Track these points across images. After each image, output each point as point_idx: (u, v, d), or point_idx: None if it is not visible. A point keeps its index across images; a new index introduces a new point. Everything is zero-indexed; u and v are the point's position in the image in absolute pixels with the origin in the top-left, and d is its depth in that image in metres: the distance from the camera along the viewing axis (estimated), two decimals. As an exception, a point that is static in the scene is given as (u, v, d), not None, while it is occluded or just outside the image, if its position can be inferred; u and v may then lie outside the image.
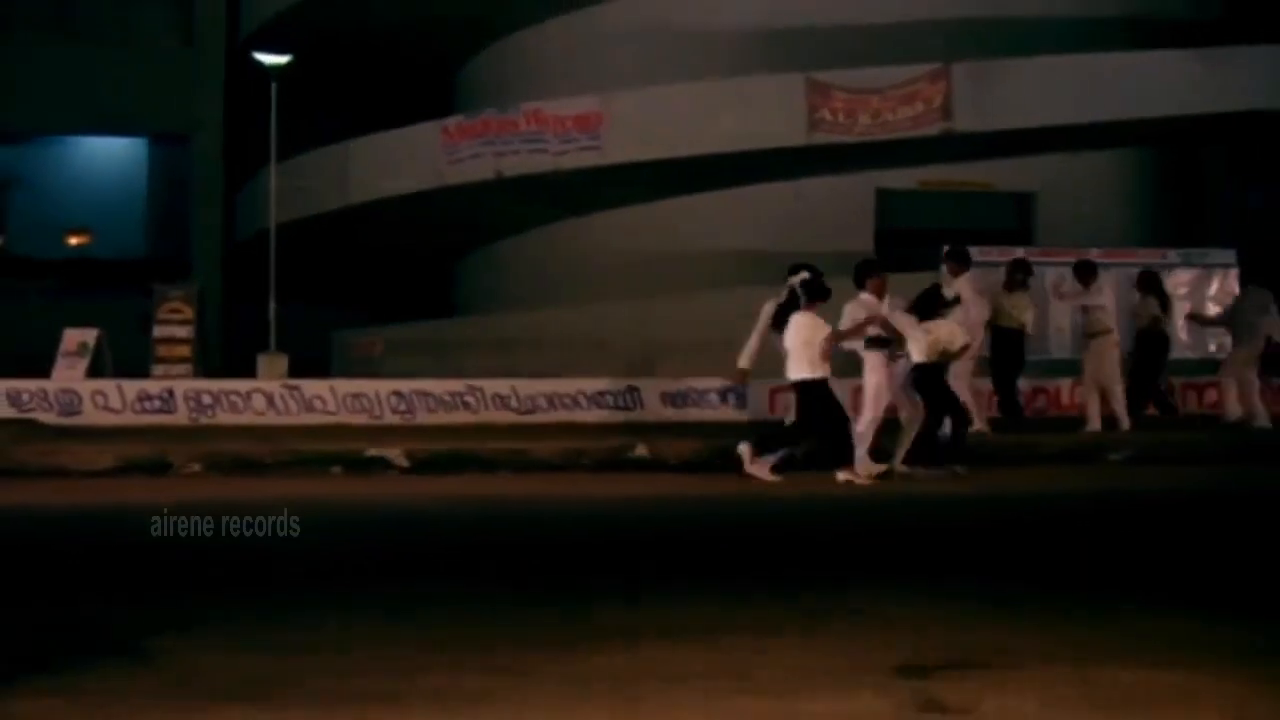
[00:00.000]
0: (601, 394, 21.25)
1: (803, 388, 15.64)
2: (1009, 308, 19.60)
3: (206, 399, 20.36)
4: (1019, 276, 19.78)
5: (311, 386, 20.71)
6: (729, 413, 21.45)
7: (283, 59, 24.10)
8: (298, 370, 24.15)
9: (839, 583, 9.06)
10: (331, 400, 20.54)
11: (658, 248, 28.38)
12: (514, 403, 20.98)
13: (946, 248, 19.65)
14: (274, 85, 23.41)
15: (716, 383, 21.69)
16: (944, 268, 19.16)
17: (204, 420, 20.22)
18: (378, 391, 20.76)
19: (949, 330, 16.28)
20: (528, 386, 21.06)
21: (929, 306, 16.36)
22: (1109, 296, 20.11)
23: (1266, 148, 30.84)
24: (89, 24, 33.06)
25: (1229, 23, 30.19)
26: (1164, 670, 6.61)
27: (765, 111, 26.73)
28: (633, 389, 21.30)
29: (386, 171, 28.24)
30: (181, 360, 22.15)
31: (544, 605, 8.36)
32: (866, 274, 16.43)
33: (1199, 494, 14.79)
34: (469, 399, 20.88)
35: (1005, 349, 19.74)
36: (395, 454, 17.47)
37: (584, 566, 10.07)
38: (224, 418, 20.31)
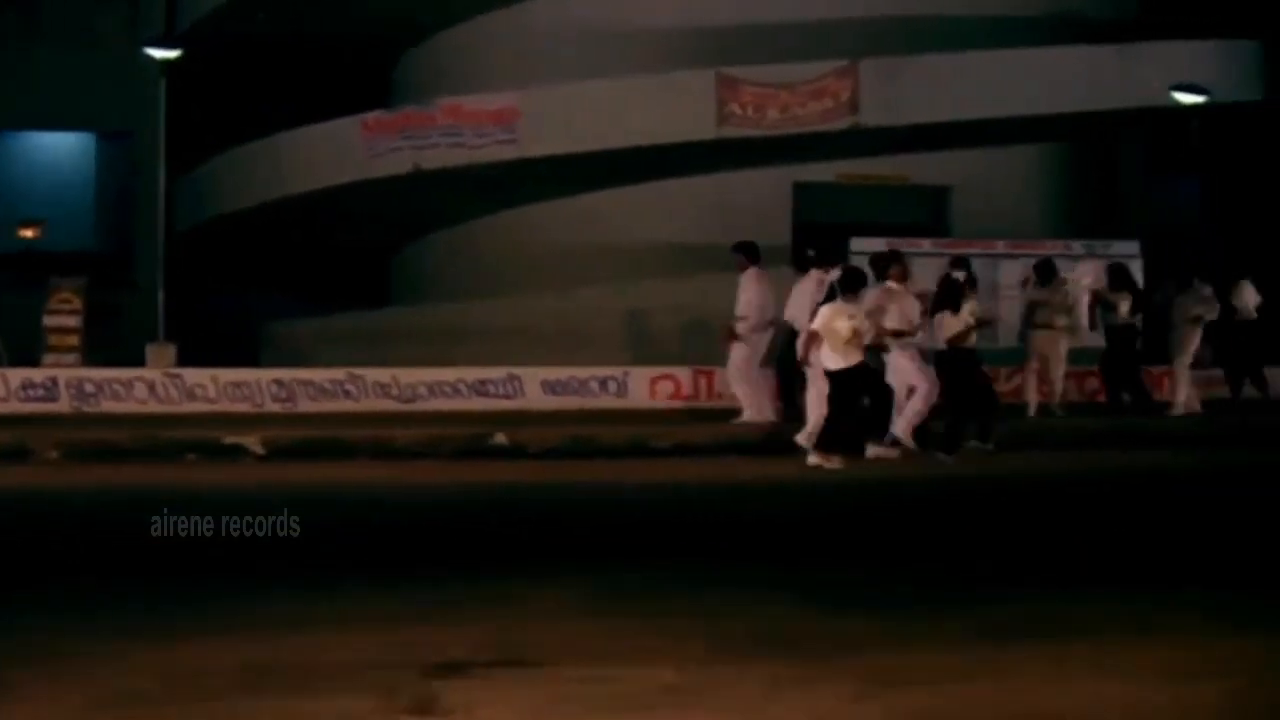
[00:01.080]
0: (483, 382, 21.78)
1: (830, 377, 16.15)
2: None
3: (89, 388, 20.95)
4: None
5: (193, 375, 21.28)
6: (609, 401, 21.94)
7: (173, 53, 24.59)
8: (232, 361, 24.79)
9: (531, 571, 9.21)
10: (213, 388, 21.11)
11: (584, 240, 28.88)
12: (394, 391, 21.53)
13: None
14: (163, 81, 23.90)
15: (601, 371, 22.30)
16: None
17: (86, 409, 20.81)
18: (259, 380, 21.32)
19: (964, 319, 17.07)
20: (408, 375, 21.61)
21: (953, 297, 17.07)
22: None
23: (1186, 142, 31.17)
24: (38, 23, 33.67)
25: (1145, 20, 30.55)
26: (708, 667, 6.60)
27: (676, 106, 27.27)
28: (514, 377, 21.83)
29: (312, 165, 28.84)
30: (70, 350, 22.75)
31: (202, 598, 8.41)
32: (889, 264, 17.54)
33: (1046, 479, 15.39)
34: (350, 387, 21.43)
35: None
36: (252, 441, 18.09)
37: (320, 556, 10.17)
38: (107, 406, 20.87)
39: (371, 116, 28.62)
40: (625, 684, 6.36)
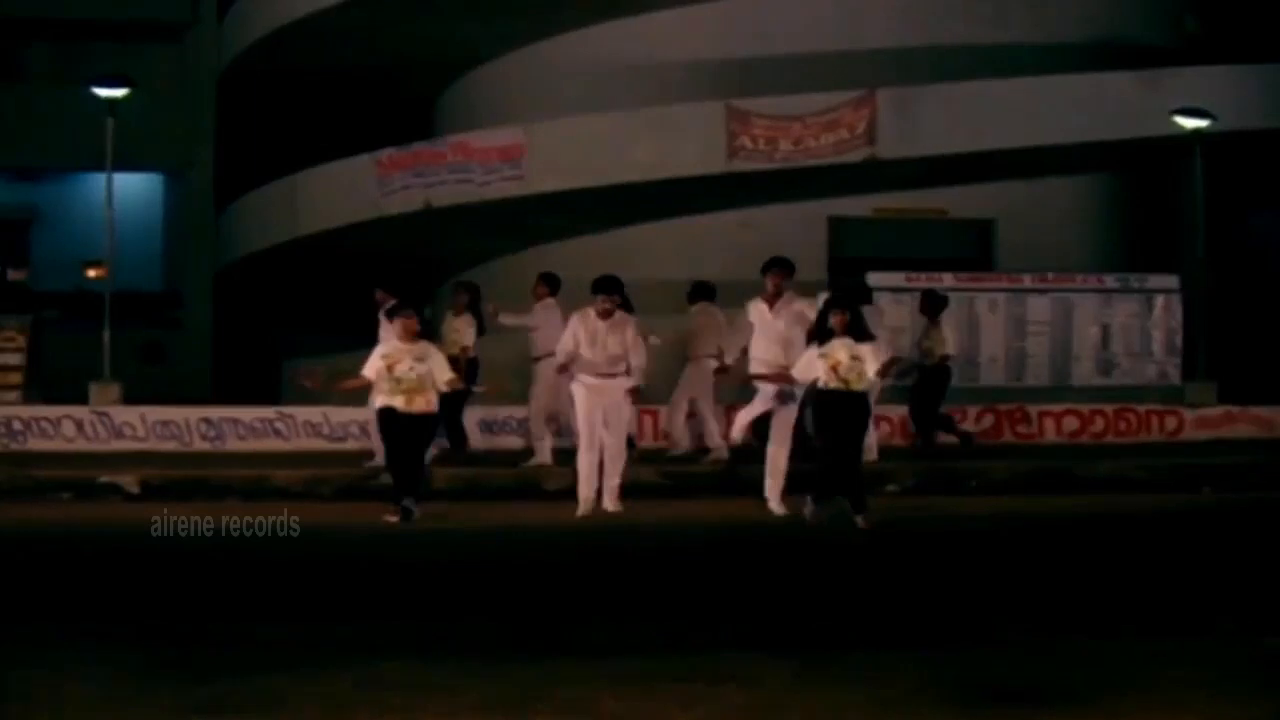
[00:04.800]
0: (416, 422, 21.11)
1: None
2: None
3: (17, 425, 20.76)
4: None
5: (120, 413, 21.03)
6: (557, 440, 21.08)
7: (119, 92, 24.33)
8: (256, 399, 24.57)
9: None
10: (141, 427, 20.83)
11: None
12: (325, 430, 21.06)
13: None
14: (110, 120, 23.73)
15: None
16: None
17: (14, 446, 20.57)
18: (187, 419, 20.98)
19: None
20: (339, 414, 21.10)
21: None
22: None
23: (1268, 169, 29.34)
24: (95, 66, 33.90)
25: (1205, 45, 28.93)
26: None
27: (684, 139, 26.56)
28: (450, 416, 21.14)
29: (329, 203, 28.66)
30: (13, 387, 22.57)
31: None
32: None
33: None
34: (279, 426, 21.03)
35: None
36: (129, 481, 17.76)
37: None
38: (35, 444, 20.61)
39: (386, 154, 28.33)
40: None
